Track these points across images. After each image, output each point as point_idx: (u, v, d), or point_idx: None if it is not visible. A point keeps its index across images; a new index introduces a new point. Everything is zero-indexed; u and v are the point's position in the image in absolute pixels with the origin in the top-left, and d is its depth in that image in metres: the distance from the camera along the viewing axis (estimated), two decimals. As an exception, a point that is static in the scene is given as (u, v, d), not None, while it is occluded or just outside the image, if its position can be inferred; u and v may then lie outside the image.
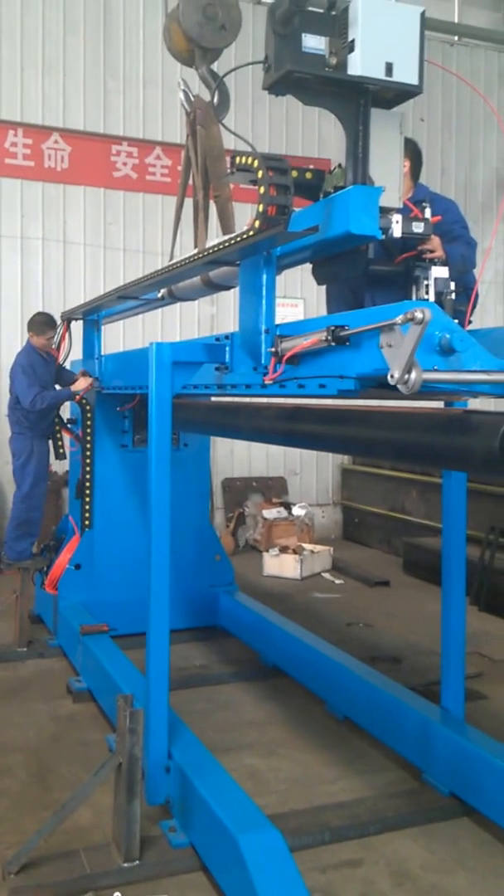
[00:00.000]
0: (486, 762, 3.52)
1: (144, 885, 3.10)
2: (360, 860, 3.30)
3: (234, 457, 10.10)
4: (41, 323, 6.44)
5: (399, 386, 2.34)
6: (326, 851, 3.34)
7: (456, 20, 11.05)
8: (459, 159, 11.28)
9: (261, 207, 2.91)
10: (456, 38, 11.13)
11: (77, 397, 5.95)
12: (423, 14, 3.00)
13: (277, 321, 3.28)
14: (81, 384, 5.93)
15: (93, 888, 3.03)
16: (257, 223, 2.94)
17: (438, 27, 10.46)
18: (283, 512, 9.60)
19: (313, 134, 10.12)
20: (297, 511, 9.58)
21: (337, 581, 8.17)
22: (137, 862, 3.19)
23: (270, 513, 9.51)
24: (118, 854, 3.22)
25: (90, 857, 3.21)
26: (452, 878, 3.20)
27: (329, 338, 2.70)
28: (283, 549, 8.43)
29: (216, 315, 9.68)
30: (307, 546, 8.66)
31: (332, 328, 2.70)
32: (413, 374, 2.31)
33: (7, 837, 3.40)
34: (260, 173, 2.93)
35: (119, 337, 8.99)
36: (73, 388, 5.98)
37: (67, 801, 3.30)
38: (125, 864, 3.17)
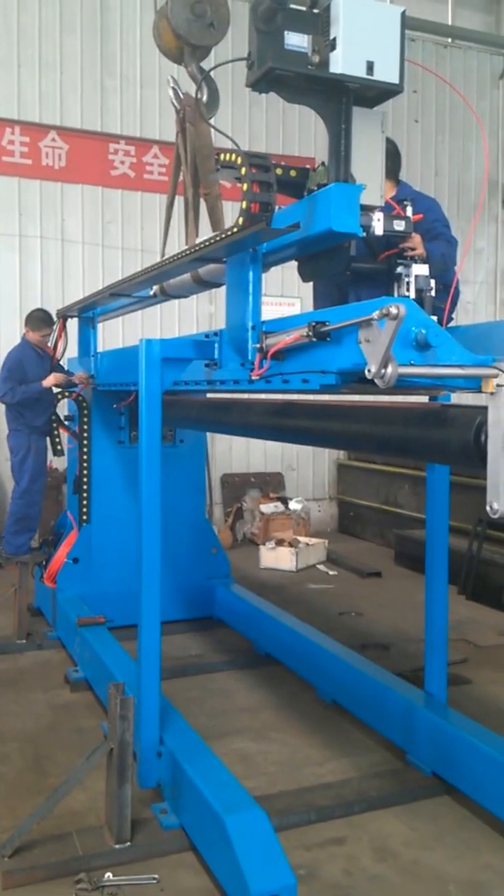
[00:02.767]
0: (466, 743, 3.62)
1: (135, 865, 3.17)
2: (343, 838, 3.39)
3: (233, 453, 10.15)
4: (38, 319, 6.53)
5: (376, 380, 2.39)
6: (312, 830, 3.43)
7: (450, 22, 11.04)
8: (453, 160, 11.30)
9: (244, 204, 2.96)
10: (449, 39, 11.11)
11: (73, 395, 6.02)
12: (403, 13, 3.02)
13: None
14: (50, 380, 6.17)
15: (84, 869, 3.09)
16: (241, 220, 2.99)
17: (432, 29, 10.44)
18: (280, 506, 9.67)
19: (310, 133, 10.08)
20: (294, 505, 9.66)
21: (331, 572, 8.26)
22: (129, 843, 3.26)
23: (268, 507, 9.59)
24: (110, 836, 3.29)
25: (83, 840, 3.28)
26: (432, 854, 3.29)
27: (310, 333, 2.74)
28: (279, 542, 8.51)
29: (214, 313, 9.67)
30: (302, 539, 8.75)
31: (314, 324, 2.74)
32: (389, 369, 2.36)
33: (2, 822, 3.47)
34: (243, 170, 2.98)
35: (118, 334, 9.05)
36: (44, 383, 6.22)
37: (60, 786, 3.38)
38: (116, 846, 3.25)
